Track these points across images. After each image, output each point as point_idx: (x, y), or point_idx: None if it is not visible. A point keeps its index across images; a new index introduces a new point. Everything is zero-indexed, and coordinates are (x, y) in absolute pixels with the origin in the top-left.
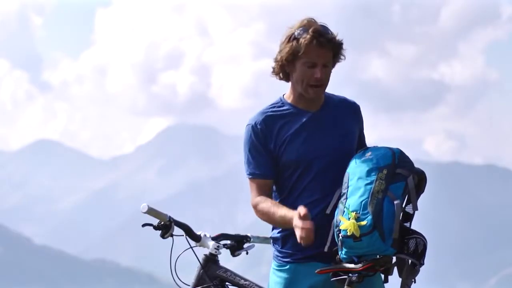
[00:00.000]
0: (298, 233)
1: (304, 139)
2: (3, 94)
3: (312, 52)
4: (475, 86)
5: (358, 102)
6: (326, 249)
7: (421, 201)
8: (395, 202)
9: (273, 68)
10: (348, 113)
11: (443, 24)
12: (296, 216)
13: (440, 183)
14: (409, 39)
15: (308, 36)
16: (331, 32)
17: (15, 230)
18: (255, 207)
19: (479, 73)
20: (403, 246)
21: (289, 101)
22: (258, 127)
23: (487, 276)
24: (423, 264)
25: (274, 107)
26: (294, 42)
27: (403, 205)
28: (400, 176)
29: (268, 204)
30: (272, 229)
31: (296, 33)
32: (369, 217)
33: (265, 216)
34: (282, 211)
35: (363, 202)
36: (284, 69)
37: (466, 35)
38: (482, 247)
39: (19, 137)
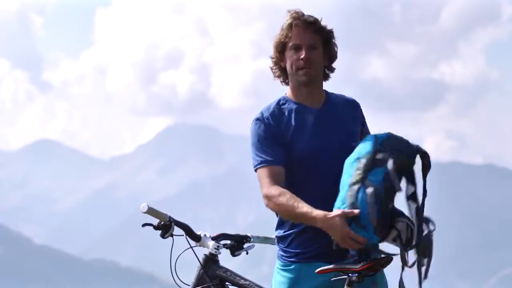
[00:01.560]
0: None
1: (309, 136)
2: (3, 94)
3: (294, 34)
4: (475, 86)
5: (357, 102)
6: (334, 247)
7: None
8: (367, 190)
9: (272, 69)
10: (348, 111)
11: (443, 24)
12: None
13: (440, 183)
14: (409, 39)
15: (289, 21)
16: (316, 18)
17: (15, 230)
18: (270, 197)
19: (479, 73)
20: (389, 232)
21: (291, 98)
22: (266, 121)
23: (487, 276)
24: (413, 248)
25: (278, 104)
26: (280, 32)
27: (395, 189)
28: (381, 161)
29: (287, 197)
30: (277, 229)
31: (284, 24)
32: None
33: (282, 208)
34: (304, 208)
35: (342, 197)
36: (281, 67)
37: (466, 35)
38: (482, 247)
39: (19, 137)
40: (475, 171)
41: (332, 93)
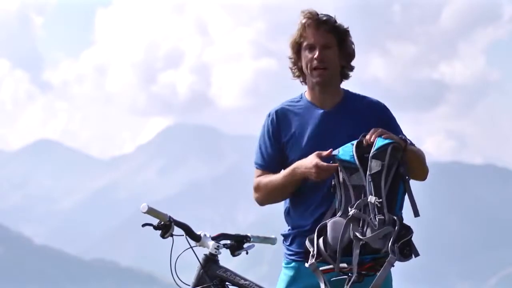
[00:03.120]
0: (311, 168)
1: (310, 137)
2: (4, 94)
3: (308, 33)
4: (475, 86)
5: (382, 104)
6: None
7: (421, 200)
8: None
9: (291, 69)
10: (363, 114)
11: (443, 24)
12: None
13: (440, 183)
14: (409, 38)
15: (303, 20)
16: (330, 17)
17: (15, 230)
18: (256, 186)
19: (480, 73)
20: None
21: (306, 96)
22: (271, 118)
23: (487, 276)
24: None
25: (292, 101)
26: (295, 31)
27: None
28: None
29: (270, 175)
30: (288, 226)
31: (299, 22)
32: None
33: (268, 185)
34: (281, 175)
35: None
36: (298, 66)
37: (467, 34)
38: (482, 247)
39: (19, 137)
40: (475, 171)
41: (353, 94)
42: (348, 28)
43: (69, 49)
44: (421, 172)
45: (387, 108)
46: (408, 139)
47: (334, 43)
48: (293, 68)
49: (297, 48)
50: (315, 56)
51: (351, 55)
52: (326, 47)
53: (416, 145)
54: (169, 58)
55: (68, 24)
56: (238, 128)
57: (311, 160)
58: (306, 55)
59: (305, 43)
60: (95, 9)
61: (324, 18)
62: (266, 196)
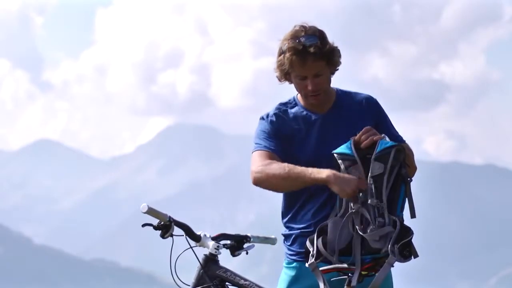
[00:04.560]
0: (341, 185)
1: (310, 144)
2: (4, 93)
3: (297, 67)
4: (475, 86)
5: (373, 99)
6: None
7: (421, 200)
8: None
9: (278, 78)
10: (358, 111)
11: (444, 24)
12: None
13: (440, 183)
14: (409, 38)
15: (288, 54)
16: (318, 41)
17: (15, 230)
18: (260, 170)
19: (480, 73)
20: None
21: (300, 101)
22: (270, 119)
23: (487, 276)
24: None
25: (287, 105)
26: (281, 57)
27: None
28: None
29: (279, 163)
30: (285, 226)
31: (283, 48)
32: None
33: (277, 173)
34: (303, 167)
35: None
36: (286, 78)
37: (467, 34)
38: (482, 247)
39: (19, 137)
40: (475, 171)
41: (345, 93)
42: (334, 46)
43: (69, 49)
44: (410, 170)
45: (378, 103)
46: (400, 136)
47: (324, 66)
48: (281, 78)
49: (285, 73)
50: (308, 87)
51: (338, 63)
52: (316, 75)
53: (416, 144)
54: (169, 58)
55: (68, 24)
56: (238, 128)
57: (350, 177)
58: (297, 82)
59: (295, 74)
60: (95, 9)
61: (312, 49)
62: (269, 180)
